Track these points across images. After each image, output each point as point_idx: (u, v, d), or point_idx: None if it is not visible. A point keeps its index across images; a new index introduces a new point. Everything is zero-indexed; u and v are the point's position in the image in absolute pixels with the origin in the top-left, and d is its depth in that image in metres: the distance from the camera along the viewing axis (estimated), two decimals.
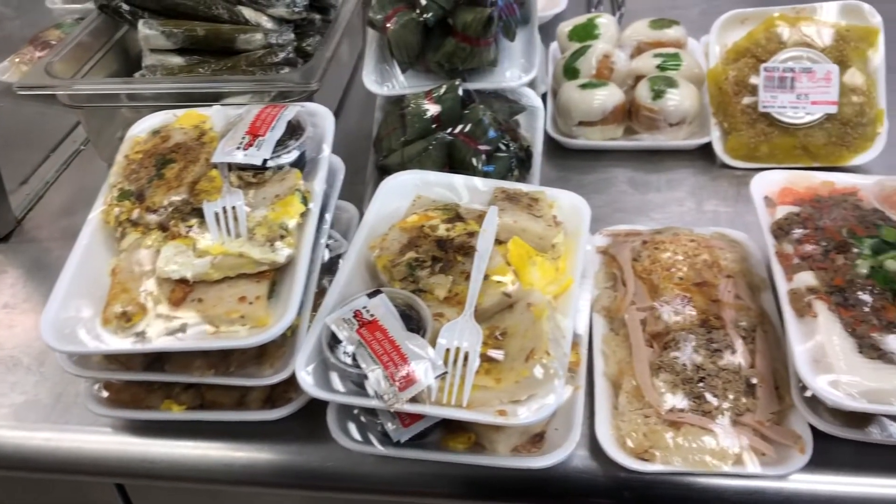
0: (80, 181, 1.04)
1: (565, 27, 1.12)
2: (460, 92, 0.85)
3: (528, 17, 0.92)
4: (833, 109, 0.91)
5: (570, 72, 1.04)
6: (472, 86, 0.88)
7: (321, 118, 0.80)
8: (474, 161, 0.82)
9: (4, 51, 1.23)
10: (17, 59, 1.21)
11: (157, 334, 0.65)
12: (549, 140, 1.00)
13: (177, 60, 1.05)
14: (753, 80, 0.94)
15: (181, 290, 0.67)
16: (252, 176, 0.74)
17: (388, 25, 0.87)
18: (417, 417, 0.63)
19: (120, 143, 0.86)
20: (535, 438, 0.66)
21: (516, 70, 0.89)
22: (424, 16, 0.85)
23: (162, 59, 1.05)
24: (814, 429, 0.64)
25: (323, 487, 0.69)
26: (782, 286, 0.68)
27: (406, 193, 0.79)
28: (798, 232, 0.71)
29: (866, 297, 0.64)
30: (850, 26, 0.94)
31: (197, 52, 1.06)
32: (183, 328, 0.65)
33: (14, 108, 1.08)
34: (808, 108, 0.92)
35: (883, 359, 0.61)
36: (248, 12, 1.06)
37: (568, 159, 1.00)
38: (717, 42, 1.00)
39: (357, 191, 0.90)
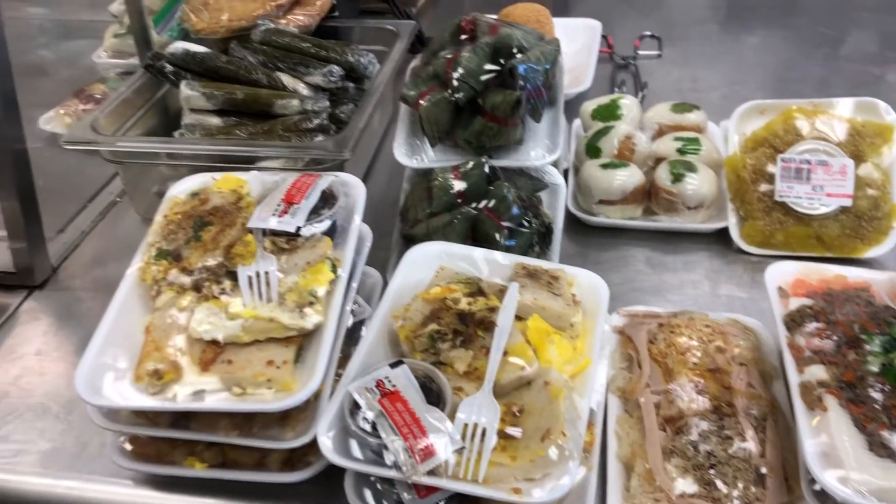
0: (114, 232, 1.08)
1: (589, 106, 1.16)
2: (486, 169, 0.89)
3: (554, 99, 0.96)
4: (848, 202, 0.94)
5: (593, 150, 1.07)
6: (498, 163, 0.91)
7: (353, 188, 0.83)
8: (497, 236, 0.85)
9: (50, 102, 1.29)
10: (61, 111, 1.26)
11: (186, 393, 0.67)
12: (570, 216, 1.03)
13: (215, 121, 1.09)
14: (770, 169, 0.97)
15: (212, 351, 0.70)
16: (285, 242, 0.78)
17: (421, 102, 0.91)
18: (433, 490, 0.65)
19: (155, 197, 0.89)
20: None
21: (541, 150, 0.93)
22: (456, 96, 0.89)
23: (201, 118, 1.10)
24: None
25: None
26: (793, 378, 0.69)
27: (430, 264, 0.82)
28: (810, 325, 0.73)
29: (877, 395, 0.66)
30: (865, 122, 0.97)
31: (235, 114, 1.10)
32: (211, 389, 0.68)
33: (56, 156, 1.12)
34: (823, 200, 0.94)
35: (892, 458, 0.62)
36: (286, 79, 1.10)
37: (588, 236, 1.03)
38: (736, 130, 1.03)
39: (380, 256, 0.93)
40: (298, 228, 0.77)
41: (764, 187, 0.97)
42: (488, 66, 0.88)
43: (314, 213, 0.79)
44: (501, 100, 0.88)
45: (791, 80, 1.36)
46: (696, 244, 1.01)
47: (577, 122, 1.18)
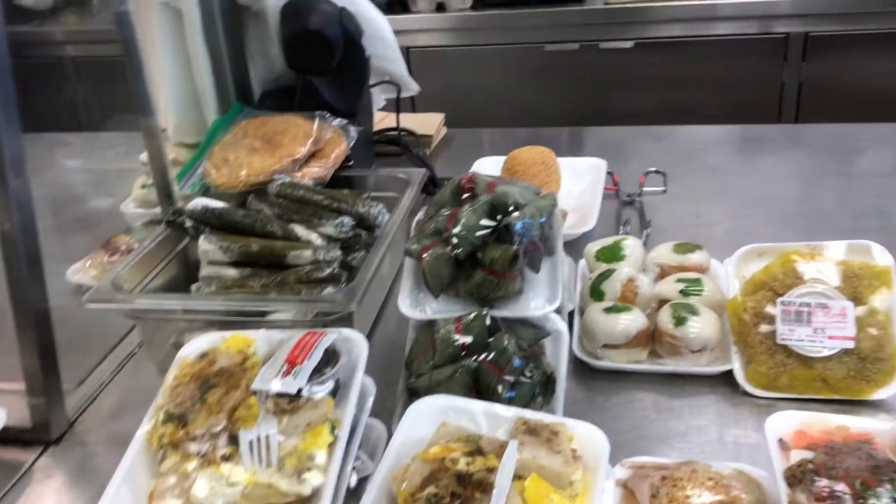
0: (132, 384, 1.11)
1: (593, 247, 1.19)
2: (487, 321, 0.91)
3: (552, 250, 0.99)
4: (850, 345, 0.94)
5: (596, 294, 1.09)
6: (499, 313, 0.93)
7: (356, 345, 0.86)
8: (499, 388, 0.86)
9: (80, 254, 1.35)
10: (88, 263, 1.32)
11: None
12: (576, 359, 1.04)
13: (231, 273, 1.14)
14: (771, 311, 0.98)
15: None
16: (287, 403, 0.80)
17: (423, 256, 0.94)
18: None
19: (172, 349, 0.93)
20: None
21: (541, 299, 0.95)
22: (455, 251, 0.92)
23: (218, 270, 1.15)
24: None
25: None
26: None
27: (432, 418, 0.83)
28: (811, 481, 0.72)
29: None
30: (862, 264, 0.98)
31: (250, 265, 1.15)
32: None
33: (81, 307, 1.17)
34: (825, 343, 0.95)
35: None
36: (300, 230, 1.16)
37: (594, 380, 1.04)
38: (736, 273, 1.05)
39: (388, 406, 0.94)
40: (300, 390, 0.79)
41: (766, 330, 0.98)
42: (486, 223, 0.92)
43: (317, 373, 0.82)
44: (499, 254, 0.91)
45: (797, 213, 1.39)
46: (702, 387, 1.00)
47: (582, 263, 1.21)
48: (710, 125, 1.83)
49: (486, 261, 0.92)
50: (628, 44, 2.68)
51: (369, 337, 1.12)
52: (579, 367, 1.05)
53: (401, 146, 1.57)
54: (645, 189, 1.49)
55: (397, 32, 2.79)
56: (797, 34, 2.54)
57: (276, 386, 0.79)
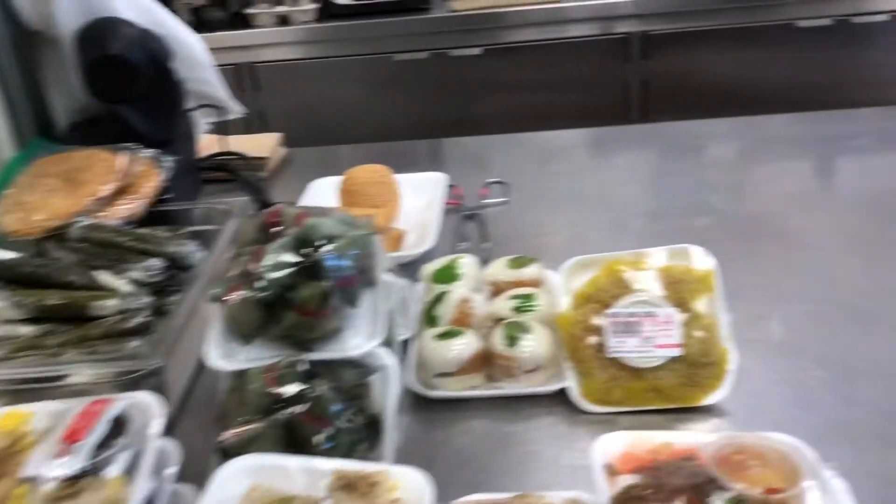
0: None
1: (429, 269, 1.14)
2: (301, 367, 0.84)
3: (372, 280, 0.93)
4: (677, 352, 0.93)
5: (429, 319, 1.04)
6: (317, 356, 0.87)
7: (149, 409, 0.77)
8: (316, 440, 0.80)
9: None
10: None
11: None
12: (414, 391, 0.99)
13: (25, 330, 1.02)
14: (600, 323, 0.96)
15: None
16: (68, 486, 0.70)
17: (227, 300, 0.86)
18: None
19: None
20: None
21: (361, 337, 0.89)
22: (262, 293, 0.85)
23: (11, 329, 1.03)
24: None
25: None
26: None
27: (242, 482, 0.75)
28: None
29: None
30: (684, 269, 0.98)
31: (49, 320, 1.04)
32: None
33: None
34: (654, 352, 0.93)
35: None
36: (106, 277, 1.05)
37: (432, 411, 0.98)
38: (566, 287, 1.03)
39: (204, 467, 0.86)
40: (81, 470, 0.69)
41: (596, 343, 0.96)
42: (293, 260, 0.85)
43: (102, 448, 0.72)
44: (310, 293, 0.85)
45: (634, 216, 1.39)
46: (539, 408, 0.97)
47: (421, 286, 1.16)
48: (565, 129, 1.82)
49: (297, 301, 0.85)
50: (477, 50, 2.68)
51: (192, 390, 1.03)
52: (416, 400, 0.99)
53: (230, 172, 1.47)
54: (487, 201, 1.46)
55: (240, 48, 2.71)
56: (637, 34, 2.61)
57: (51, 469, 0.69)
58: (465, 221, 1.41)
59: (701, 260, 0.98)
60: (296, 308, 0.85)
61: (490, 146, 1.77)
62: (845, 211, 1.33)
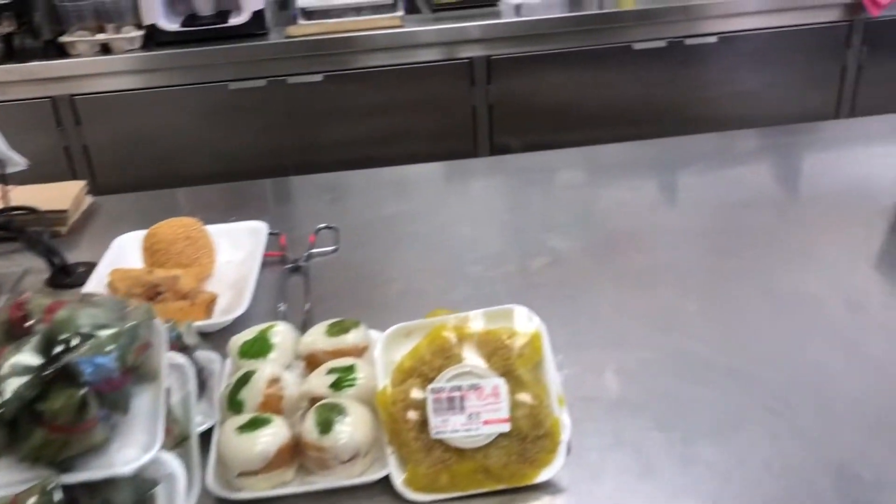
0: None
1: (237, 341, 1.01)
2: (56, 495, 0.69)
3: (151, 375, 0.79)
4: (506, 427, 0.85)
5: (235, 405, 0.91)
6: (78, 477, 0.72)
7: None
8: None
9: None
10: None
11: None
12: (212, 494, 0.86)
13: None
14: (422, 398, 0.86)
15: None
16: None
17: None
18: None
19: None
20: None
21: (134, 447, 0.75)
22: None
23: None
24: None
25: None
26: None
27: None
28: None
29: None
30: (509, 332, 0.90)
31: None
32: None
33: None
34: (481, 429, 0.85)
35: None
36: None
37: None
38: (385, 360, 0.93)
39: None
40: None
41: (419, 422, 0.86)
42: (37, 363, 0.70)
43: None
44: (62, 404, 0.70)
45: (469, 260, 1.31)
46: (360, 501, 0.86)
47: (229, 362, 1.03)
48: (407, 164, 1.72)
49: (48, 414, 0.70)
50: (318, 77, 2.56)
51: None
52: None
53: (14, 230, 1.28)
54: (313, 251, 1.34)
55: (56, 80, 2.46)
56: (481, 58, 2.57)
57: None
58: (289, 276, 1.29)
59: (526, 321, 0.91)
60: (46, 423, 0.70)
61: (323, 184, 1.65)
62: (682, 245, 1.31)
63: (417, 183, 1.64)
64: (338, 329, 1.01)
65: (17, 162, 1.27)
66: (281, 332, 1.01)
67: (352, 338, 1.00)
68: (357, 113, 2.63)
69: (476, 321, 0.91)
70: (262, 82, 2.54)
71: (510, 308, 0.92)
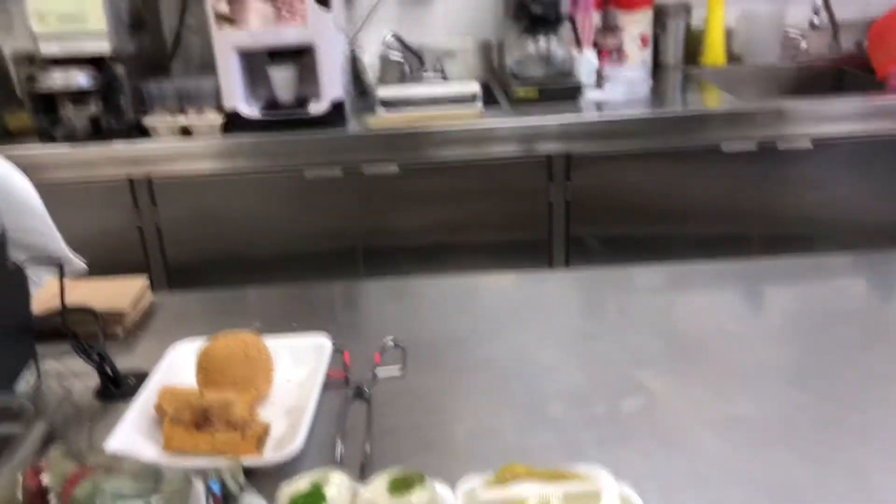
0: None
1: (286, 493, 0.90)
2: None
3: None
4: None
5: None
6: None
7: None
8: None
9: None
10: None
11: None
12: None
13: None
14: None
15: None
16: None
17: None
18: None
19: None
20: None
21: None
22: None
23: None
24: None
25: None
26: None
27: None
28: None
29: None
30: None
31: None
32: None
33: None
34: None
35: None
36: None
37: None
38: None
39: None
40: None
41: None
42: None
43: None
44: None
45: (549, 395, 1.18)
46: None
47: None
48: (484, 275, 1.61)
49: None
50: (394, 167, 2.51)
51: None
52: None
53: (67, 336, 1.21)
54: (378, 370, 1.24)
55: (136, 161, 2.47)
56: (561, 154, 2.49)
57: None
58: (350, 401, 1.18)
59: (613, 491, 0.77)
60: None
61: (390, 291, 1.56)
62: (795, 390, 1.15)
63: (490, 295, 1.53)
64: (401, 486, 0.89)
65: (78, 265, 1.22)
66: (337, 485, 0.90)
67: (416, 500, 0.87)
68: (431, 203, 2.57)
69: (556, 486, 0.78)
70: (337, 171, 2.51)
71: (598, 490, 0.78)
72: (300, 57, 2.54)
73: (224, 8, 2.42)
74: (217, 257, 2.59)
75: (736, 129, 2.46)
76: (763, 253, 2.56)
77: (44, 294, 1.26)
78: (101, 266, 2.47)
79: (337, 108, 2.53)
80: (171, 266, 2.57)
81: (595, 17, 2.89)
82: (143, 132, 2.50)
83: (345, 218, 2.56)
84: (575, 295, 1.52)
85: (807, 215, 2.55)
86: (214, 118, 2.49)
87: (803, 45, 2.99)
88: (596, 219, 2.57)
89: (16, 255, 1.15)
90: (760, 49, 3.00)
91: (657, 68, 2.99)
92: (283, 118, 2.53)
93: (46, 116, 2.42)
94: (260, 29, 2.43)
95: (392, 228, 2.57)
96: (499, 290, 1.56)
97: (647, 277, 1.54)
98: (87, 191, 2.48)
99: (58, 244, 1.19)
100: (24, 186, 1.13)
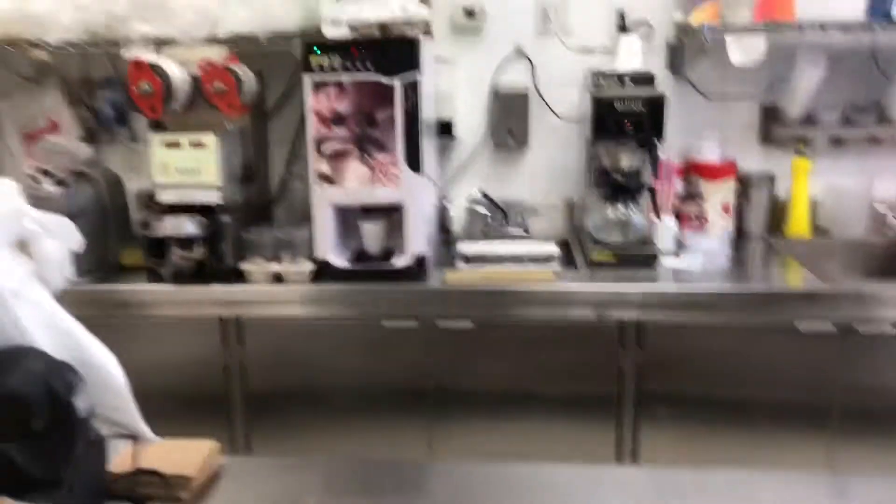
0: None
1: None
2: None
3: None
4: None
5: None
6: None
7: None
8: None
9: None
10: None
11: None
12: None
13: None
14: None
15: None
16: None
17: None
18: None
19: None
20: None
21: None
22: None
23: None
24: None
25: None
26: None
27: None
28: None
29: None
30: None
31: None
32: None
33: None
34: None
35: None
36: None
37: None
38: None
39: None
40: None
41: None
42: None
43: None
44: None
45: None
46: None
47: None
48: (550, 465, 1.55)
49: None
50: (468, 323, 2.60)
51: None
52: None
53: (135, 499, 1.32)
54: None
55: (228, 302, 2.67)
56: (633, 321, 2.52)
57: None
58: None
59: None
60: None
61: (455, 479, 1.56)
62: None
63: (557, 489, 1.51)
64: None
65: (150, 437, 1.34)
66: None
67: None
68: (501, 359, 2.64)
69: None
70: (413, 322, 2.62)
71: None
72: (391, 212, 2.70)
73: (325, 168, 2.63)
74: (295, 394, 2.72)
75: (814, 308, 2.44)
76: (843, 426, 2.47)
77: (118, 458, 1.39)
78: (186, 397, 2.66)
79: (419, 263, 2.66)
80: (250, 400, 2.71)
81: (678, 184, 2.97)
82: (238, 275, 2.70)
83: (418, 369, 2.65)
84: (643, 495, 1.48)
85: (891, 394, 2.46)
86: (305, 266, 2.67)
87: (892, 219, 2.96)
88: (667, 384, 2.56)
89: (100, 427, 1.28)
90: (847, 222, 2.98)
91: (741, 236, 3.01)
92: (369, 269, 2.68)
93: (157, 259, 2.66)
94: (356, 188, 2.63)
95: (462, 380, 2.64)
96: (565, 482, 1.49)
97: (718, 483, 1.49)
98: (178, 327, 2.67)
99: (132, 418, 1.31)
100: (117, 373, 1.28)
